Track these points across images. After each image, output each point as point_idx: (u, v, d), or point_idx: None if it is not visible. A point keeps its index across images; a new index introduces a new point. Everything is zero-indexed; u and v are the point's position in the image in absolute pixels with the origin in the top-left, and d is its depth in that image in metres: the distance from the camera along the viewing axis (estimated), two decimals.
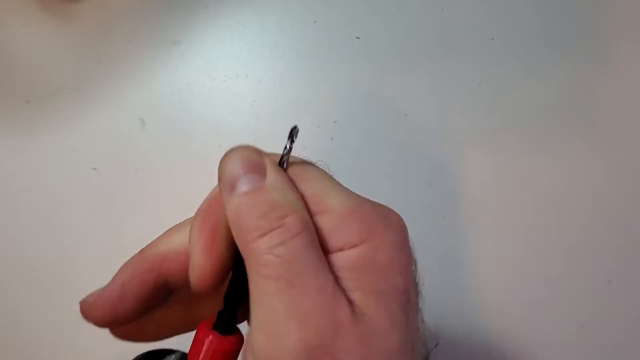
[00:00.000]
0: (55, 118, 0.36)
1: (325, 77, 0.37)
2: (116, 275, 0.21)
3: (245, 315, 0.18)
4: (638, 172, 0.35)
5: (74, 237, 0.35)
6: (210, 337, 0.18)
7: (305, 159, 0.19)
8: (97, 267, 0.34)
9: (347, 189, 0.18)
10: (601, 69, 0.37)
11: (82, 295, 0.33)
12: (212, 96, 0.37)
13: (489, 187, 0.34)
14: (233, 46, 0.38)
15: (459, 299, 0.33)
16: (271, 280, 0.16)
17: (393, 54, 0.38)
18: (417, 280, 0.18)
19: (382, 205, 0.18)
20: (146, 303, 0.20)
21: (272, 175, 0.18)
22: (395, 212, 0.18)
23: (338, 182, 0.18)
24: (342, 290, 0.16)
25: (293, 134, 0.18)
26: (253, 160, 0.18)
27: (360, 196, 0.18)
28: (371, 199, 0.18)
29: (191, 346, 0.19)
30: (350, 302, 0.16)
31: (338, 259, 0.17)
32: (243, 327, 0.19)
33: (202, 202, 0.20)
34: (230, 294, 0.19)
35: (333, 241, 0.17)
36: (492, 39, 0.37)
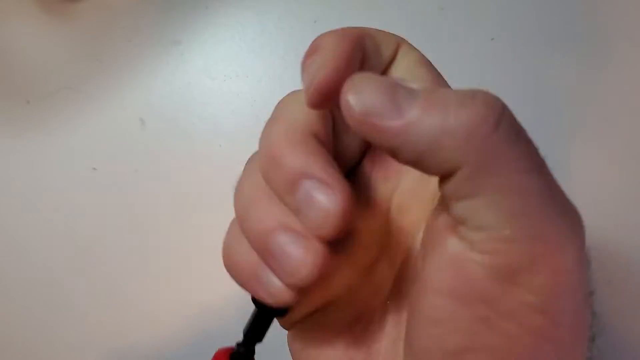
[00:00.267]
0: (54, 118, 0.36)
1: None
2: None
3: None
4: (638, 172, 0.35)
5: (73, 237, 0.35)
6: None
7: None
8: (97, 267, 0.34)
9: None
10: (602, 68, 0.37)
11: (82, 295, 0.34)
12: (212, 96, 0.37)
13: None
14: (233, 46, 0.38)
15: None
16: (535, 174, 0.13)
17: None
18: None
19: None
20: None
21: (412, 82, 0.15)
22: None
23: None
24: None
25: None
26: (384, 78, 0.14)
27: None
28: None
29: None
30: None
31: None
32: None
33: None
34: (251, 328, 0.18)
35: None
36: (492, 39, 0.37)
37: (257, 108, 0.37)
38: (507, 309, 0.13)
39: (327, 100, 0.15)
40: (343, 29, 0.16)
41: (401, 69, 0.18)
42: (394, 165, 0.18)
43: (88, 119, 0.36)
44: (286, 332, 0.19)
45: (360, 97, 0.14)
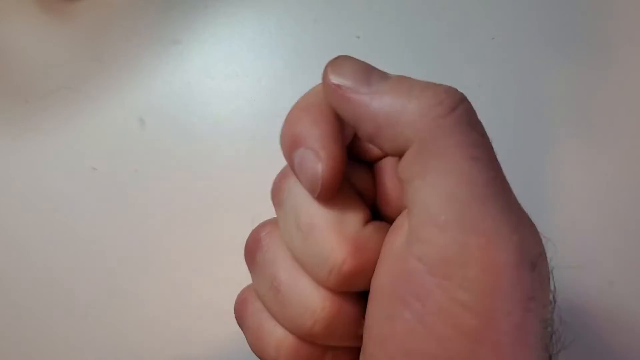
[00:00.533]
0: (54, 117, 0.36)
1: None
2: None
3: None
4: (639, 173, 0.35)
5: (72, 237, 0.34)
6: None
7: None
8: (96, 267, 0.34)
9: None
10: (602, 68, 0.37)
11: (81, 295, 0.33)
12: (212, 96, 0.37)
13: None
14: (233, 45, 0.38)
15: None
16: (483, 164, 0.13)
17: (393, 53, 0.38)
18: None
19: None
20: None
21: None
22: None
23: None
24: None
25: None
26: (365, 63, 0.16)
27: None
28: None
29: None
30: None
31: None
32: None
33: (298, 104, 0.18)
34: None
35: None
36: (493, 38, 0.37)
37: (256, 108, 0.36)
38: (438, 306, 0.13)
39: (337, 187, 0.16)
40: (307, 105, 0.17)
41: None
42: None
43: (87, 118, 0.36)
44: None
45: (338, 73, 0.15)
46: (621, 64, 0.37)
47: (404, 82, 0.15)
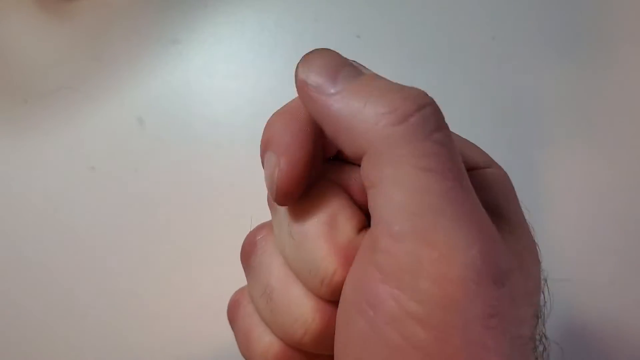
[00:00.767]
0: (53, 117, 0.36)
1: None
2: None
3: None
4: (639, 173, 0.35)
5: (72, 236, 0.34)
6: None
7: None
8: (96, 267, 0.34)
9: None
10: (602, 68, 0.37)
11: (81, 294, 0.33)
12: (211, 95, 0.37)
13: None
14: (232, 45, 0.38)
15: None
16: (437, 176, 0.13)
17: (393, 52, 0.37)
18: None
19: None
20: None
21: (367, 69, 0.15)
22: None
23: None
24: None
25: None
26: (340, 57, 0.15)
27: None
28: None
29: None
30: None
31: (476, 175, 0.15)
32: None
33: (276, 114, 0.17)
34: None
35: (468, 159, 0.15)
36: (493, 38, 0.37)
37: (256, 107, 0.36)
38: (390, 315, 0.13)
39: (295, 194, 0.16)
40: (285, 109, 0.17)
41: None
42: None
43: (87, 118, 0.36)
44: None
45: (306, 69, 0.15)
46: (621, 64, 0.37)
47: (368, 84, 0.15)
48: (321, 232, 0.16)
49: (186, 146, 0.36)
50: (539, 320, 0.14)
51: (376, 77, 0.15)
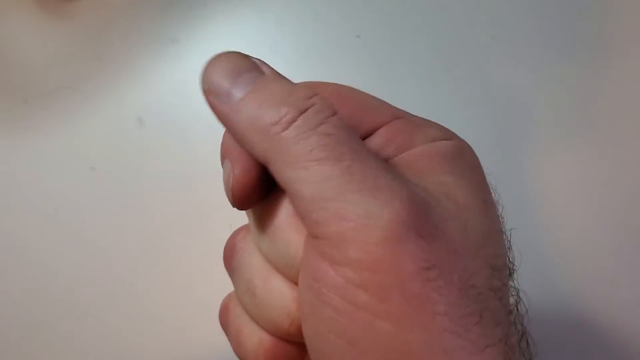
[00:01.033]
0: (53, 117, 0.36)
1: (325, 75, 0.37)
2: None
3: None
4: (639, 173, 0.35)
5: (71, 236, 0.34)
6: None
7: None
8: (95, 267, 0.34)
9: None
10: (602, 68, 0.37)
11: (81, 294, 0.33)
12: None
13: None
14: (232, 45, 0.38)
15: None
16: (332, 162, 0.14)
17: (393, 52, 0.37)
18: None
19: None
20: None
21: (269, 68, 0.16)
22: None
23: None
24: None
25: None
26: (242, 61, 0.16)
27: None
28: None
29: None
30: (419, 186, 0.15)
31: (427, 148, 0.16)
32: None
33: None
34: None
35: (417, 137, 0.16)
36: (493, 38, 0.37)
37: None
38: (332, 284, 0.14)
39: (252, 198, 0.17)
40: None
41: None
42: None
43: (86, 118, 0.36)
44: None
45: (208, 75, 0.16)
46: (621, 64, 0.37)
47: (262, 91, 0.15)
48: (290, 224, 0.16)
49: (185, 146, 0.36)
50: (501, 273, 0.15)
51: (272, 80, 0.16)
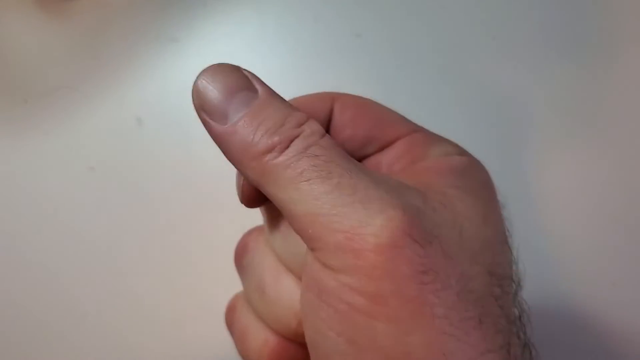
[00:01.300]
0: (53, 117, 0.36)
1: (325, 75, 0.37)
2: None
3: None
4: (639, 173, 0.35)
5: (71, 236, 0.34)
6: None
7: None
8: (95, 267, 0.34)
9: None
10: (603, 68, 0.37)
11: (81, 294, 0.33)
12: None
13: None
14: (232, 44, 0.38)
15: None
16: (321, 180, 0.14)
17: (394, 52, 0.37)
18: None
19: None
20: None
21: (262, 85, 0.16)
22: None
23: None
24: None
25: None
26: (236, 77, 0.16)
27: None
28: None
29: None
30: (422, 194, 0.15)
31: (437, 162, 0.17)
32: None
33: None
34: None
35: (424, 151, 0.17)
36: (493, 38, 0.37)
37: None
38: (332, 287, 0.14)
39: (261, 198, 0.17)
40: None
41: None
42: None
43: (85, 117, 0.36)
44: None
45: (201, 90, 0.16)
46: (622, 64, 0.37)
47: (257, 115, 0.15)
48: None
49: (185, 146, 0.36)
50: (502, 281, 0.15)
51: (265, 102, 0.16)
